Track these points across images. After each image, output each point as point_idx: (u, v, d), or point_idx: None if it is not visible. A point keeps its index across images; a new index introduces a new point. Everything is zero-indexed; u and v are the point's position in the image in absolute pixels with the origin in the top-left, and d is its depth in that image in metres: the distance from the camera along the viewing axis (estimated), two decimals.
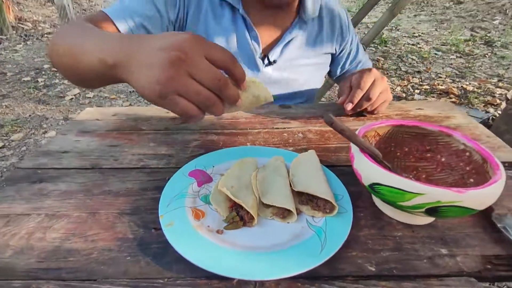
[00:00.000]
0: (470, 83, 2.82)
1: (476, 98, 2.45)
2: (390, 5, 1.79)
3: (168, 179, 0.46)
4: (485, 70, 3.22)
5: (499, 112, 2.22)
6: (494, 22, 4.81)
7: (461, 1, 5.68)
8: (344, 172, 0.48)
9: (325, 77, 0.86)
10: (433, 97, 2.53)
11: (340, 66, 0.84)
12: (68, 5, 5.23)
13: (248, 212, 0.39)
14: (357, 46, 0.85)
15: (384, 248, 0.37)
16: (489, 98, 2.48)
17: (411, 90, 2.72)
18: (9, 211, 0.42)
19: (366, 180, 0.38)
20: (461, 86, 2.74)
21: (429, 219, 0.41)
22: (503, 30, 4.57)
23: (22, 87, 2.70)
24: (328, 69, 0.84)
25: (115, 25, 0.60)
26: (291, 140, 0.60)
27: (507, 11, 4.91)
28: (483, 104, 2.37)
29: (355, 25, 2.27)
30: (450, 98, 2.48)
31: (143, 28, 0.63)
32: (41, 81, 2.82)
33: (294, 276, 0.33)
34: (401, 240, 0.39)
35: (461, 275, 0.34)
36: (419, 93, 2.64)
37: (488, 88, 2.69)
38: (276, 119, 0.68)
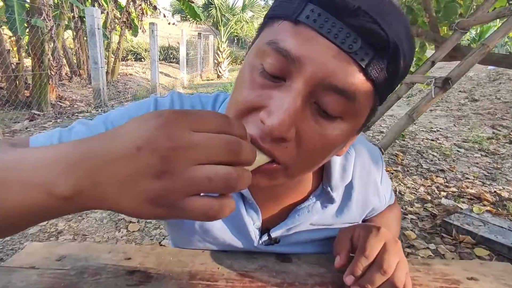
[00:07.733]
0: (504, 188, 2.57)
1: None
2: (409, 109, 1.73)
3: None
4: None
5: None
6: None
7: (476, 99, 5.79)
8: None
9: None
10: (464, 202, 2.27)
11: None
12: (103, 88, 5.77)
13: None
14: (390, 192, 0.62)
15: None
16: None
17: (437, 192, 2.49)
18: None
19: None
20: (494, 191, 2.48)
21: None
22: None
23: None
24: None
25: None
26: None
27: None
28: None
29: (372, 123, 2.21)
30: (485, 205, 2.22)
31: None
32: None
33: None
34: None
35: None
36: (446, 196, 2.40)
37: None
38: (268, 286, 0.49)
